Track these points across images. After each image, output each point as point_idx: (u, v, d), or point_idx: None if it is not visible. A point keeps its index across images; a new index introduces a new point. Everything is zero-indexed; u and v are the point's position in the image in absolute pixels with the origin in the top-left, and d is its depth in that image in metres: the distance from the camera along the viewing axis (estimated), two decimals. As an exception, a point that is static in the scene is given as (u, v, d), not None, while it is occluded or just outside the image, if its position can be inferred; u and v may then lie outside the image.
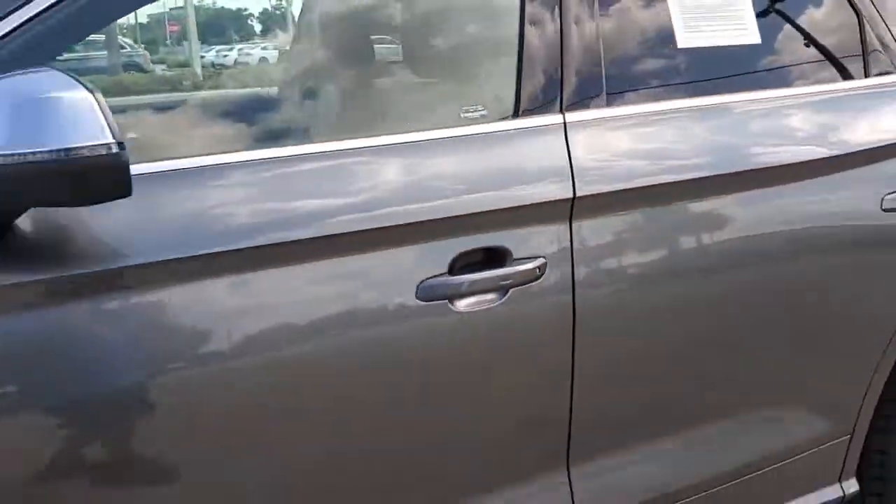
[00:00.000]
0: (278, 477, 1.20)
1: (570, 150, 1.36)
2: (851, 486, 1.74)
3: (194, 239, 1.11)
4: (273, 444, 1.19)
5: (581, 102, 1.42)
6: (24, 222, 1.04)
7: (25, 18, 1.07)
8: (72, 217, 1.04)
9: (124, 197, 0.96)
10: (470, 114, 1.38)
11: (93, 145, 0.92)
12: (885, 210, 1.63)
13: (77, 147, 0.92)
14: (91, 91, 0.93)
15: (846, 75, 1.74)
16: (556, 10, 1.41)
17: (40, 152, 0.92)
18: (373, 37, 1.73)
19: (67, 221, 1.05)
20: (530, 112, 1.38)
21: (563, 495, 1.42)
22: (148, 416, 1.11)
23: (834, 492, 1.73)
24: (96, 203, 0.97)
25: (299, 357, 1.18)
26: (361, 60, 1.61)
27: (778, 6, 1.70)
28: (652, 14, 1.55)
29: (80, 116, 0.92)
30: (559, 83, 1.40)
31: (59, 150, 0.91)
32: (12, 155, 0.91)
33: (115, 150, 0.93)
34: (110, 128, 0.92)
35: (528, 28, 1.40)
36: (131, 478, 1.12)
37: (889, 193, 1.63)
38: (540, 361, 1.35)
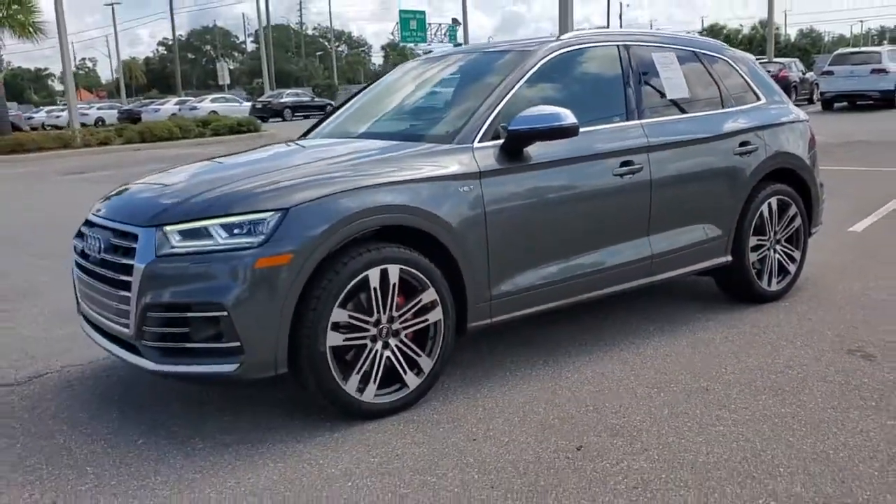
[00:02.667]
0: (579, 232, 3.98)
1: (645, 132, 4.27)
2: (729, 257, 4.73)
3: (564, 153, 3.89)
4: (586, 223, 3.98)
5: (640, 115, 4.33)
6: (530, 149, 3.78)
7: None
8: (540, 147, 3.79)
9: (574, 136, 3.74)
10: (613, 118, 4.26)
11: (568, 122, 3.69)
12: (735, 154, 4.66)
13: (563, 123, 3.69)
14: (562, 110, 3.70)
15: (716, 107, 4.79)
16: (631, 91, 4.33)
17: (550, 125, 3.68)
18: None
19: (538, 148, 3.80)
20: (629, 119, 4.28)
21: (646, 243, 4.28)
22: (555, 212, 3.87)
23: (724, 258, 4.70)
24: (560, 139, 3.74)
25: (590, 189, 3.99)
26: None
27: (693, 83, 4.71)
28: (656, 86, 4.51)
29: (564, 115, 3.68)
30: (637, 110, 4.32)
31: (559, 124, 3.68)
32: (539, 127, 3.66)
33: (573, 122, 3.70)
34: (570, 117, 3.70)
35: (627, 96, 4.31)
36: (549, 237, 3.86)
37: (736, 147, 4.65)
38: (641, 194, 4.20)
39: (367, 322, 3.31)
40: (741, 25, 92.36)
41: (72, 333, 4.85)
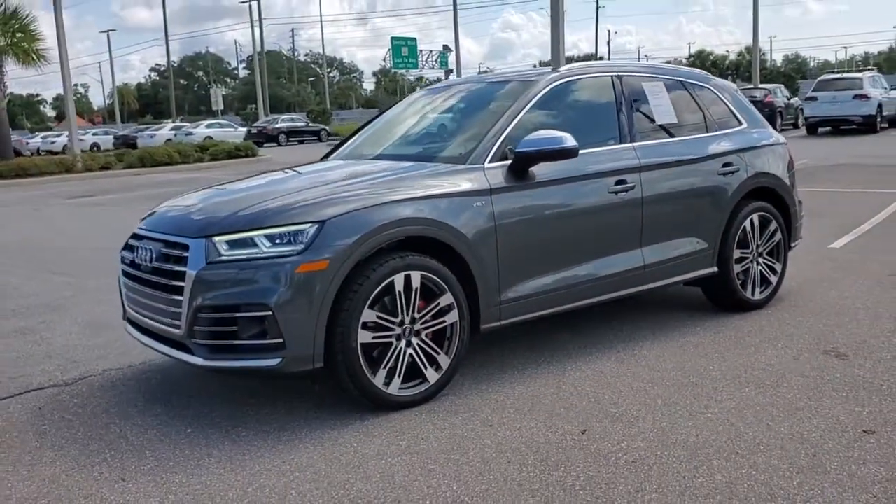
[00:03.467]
0: (579, 243, 4.40)
1: (637, 154, 4.71)
2: (715, 268, 5.15)
3: (565, 172, 4.32)
4: (585, 235, 4.41)
5: (632, 138, 4.78)
6: (534, 168, 4.20)
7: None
8: (544, 166, 4.22)
9: (574, 157, 4.18)
10: (608, 141, 4.69)
11: (569, 145, 4.13)
12: (718, 174, 5.10)
13: (564, 145, 4.12)
14: (564, 134, 4.14)
15: (701, 131, 5.24)
16: (624, 116, 4.78)
17: (553, 147, 4.11)
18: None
19: (541, 168, 4.22)
20: (622, 142, 4.72)
21: (638, 255, 4.70)
22: (561, 224, 4.30)
23: (711, 269, 5.13)
24: (562, 159, 4.18)
25: (588, 205, 4.42)
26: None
27: (680, 110, 5.16)
28: (647, 112, 4.95)
29: (565, 138, 4.12)
30: (629, 134, 4.76)
31: (561, 146, 4.11)
32: (543, 149, 4.10)
33: (573, 144, 4.13)
34: (571, 140, 4.13)
35: (620, 121, 4.76)
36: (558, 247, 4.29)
37: (720, 168, 5.10)
38: (634, 210, 4.63)
39: (392, 322, 3.70)
40: (727, 52, 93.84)
41: (106, 342, 5.23)
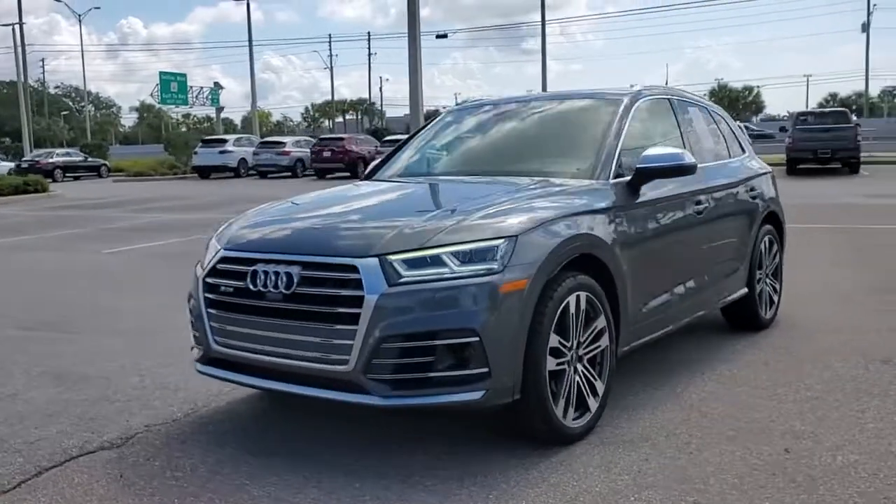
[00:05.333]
0: (681, 261, 4.33)
1: (703, 176, 4.74)
2: (746, 288, 5.29)
3: (663, 191, 4.24)
4: (685, 253, 4.34)
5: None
6: (646, 186, 4.09)
7: None
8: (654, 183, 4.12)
9: (692, 174, 4.11)
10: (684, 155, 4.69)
11: (688, 161, 4.06)
12: (750, 198, 5.28)
13: (684, 162, 4.05)
14: (683, 150, 4.07)
15: (725, 157, 5.40)
16: (685, 140, 4.80)
17: (674, 164, 4.03)
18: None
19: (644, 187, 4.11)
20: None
21: (716, 272, 4.74)
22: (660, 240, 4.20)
23: (744, 289, 5.26)
24: (681, 176, 4.09)
25: (685, 223, 4.36)
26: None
27: (711, 135, 5.29)
28: (695, 134, 5.02)
29: (685, 154, 4.05)
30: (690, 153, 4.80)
31: (681, 163, 4.05)
32: (665, 165, 4.01)
33: (692, 161, 4.07)
34: (690, 157, 4.07)
35: (683, 141, 4.78)
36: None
37: (749, 192, 5.29)
38: (709, 228, 4.64)
39: (567, 347, 3.39)
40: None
41: (102, 396, 4.39)
